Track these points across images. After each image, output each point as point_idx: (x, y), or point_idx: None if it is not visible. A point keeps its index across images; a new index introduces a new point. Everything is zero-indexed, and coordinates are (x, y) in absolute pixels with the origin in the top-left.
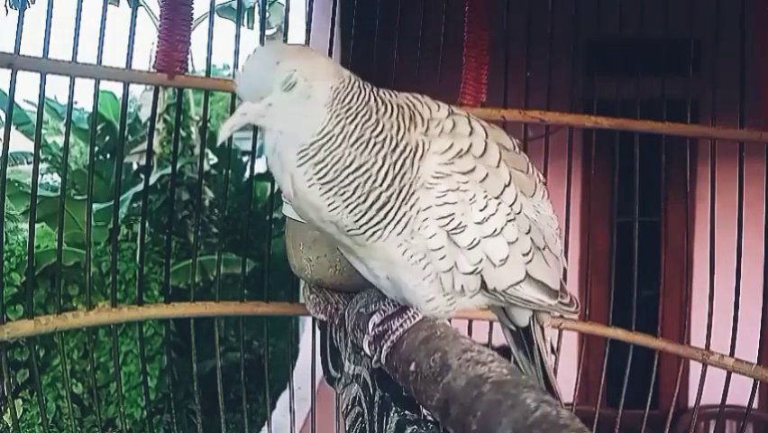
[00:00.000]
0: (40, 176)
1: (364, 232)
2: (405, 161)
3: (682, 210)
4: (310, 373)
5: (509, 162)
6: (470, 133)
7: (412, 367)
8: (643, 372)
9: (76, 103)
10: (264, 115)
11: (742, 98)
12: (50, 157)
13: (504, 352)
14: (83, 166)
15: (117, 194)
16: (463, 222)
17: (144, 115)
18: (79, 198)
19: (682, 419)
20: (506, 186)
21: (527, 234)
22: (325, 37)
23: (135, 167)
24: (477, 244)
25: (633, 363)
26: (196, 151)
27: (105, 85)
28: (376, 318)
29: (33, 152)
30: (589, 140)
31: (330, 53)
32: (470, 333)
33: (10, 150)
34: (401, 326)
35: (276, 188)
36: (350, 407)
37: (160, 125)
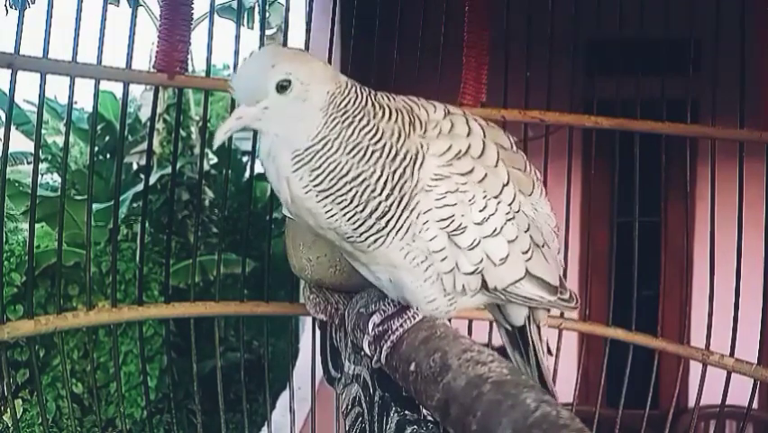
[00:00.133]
0: (40, 176)
1: (365, 240)
2: (405, 169)
3: (682, 210)
4: (310, 373)
5: (507, 161)
6: (468, 134)
7: (412, 367)
8: (643, 372)
9: (76, 103)
10: (260, 119)
11: (742, 98)
12: (50, 157)
13: (504, 352)
14: (83, 166)
15: (117, 194)
16: (463, 223)
17: (144, 115)
18: (79, 198)
19: (682, 419)
20: (504, 185)
21: (526, 232)
22: (325, 37)
23: (135, 167)
24: (477, 244)
25: (633, 363)
26: (196, 151)
27: (105, 85)
28: (376, 318)
29: (33, 151)
30: (589, 140)
31: (330, 53)
32: (470, 333)
33: (10, 150)
34: (401, 326)
35: None
36: (350, 407)
37: (160, 125)
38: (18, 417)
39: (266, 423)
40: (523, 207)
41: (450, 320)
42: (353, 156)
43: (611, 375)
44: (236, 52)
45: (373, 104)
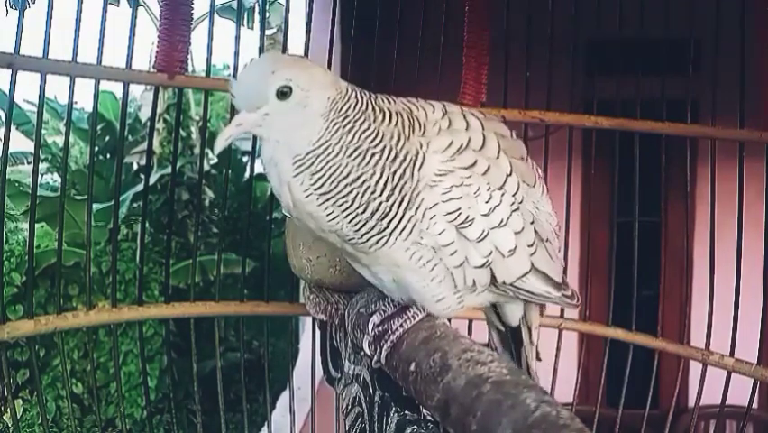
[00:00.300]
0: (40, 176)
1: (367, 240)
2: (405, 170)
3: (682, 210)
4: (310, 373)
5: (508, 152)
6: (467, 128)
7: (412, 367)
8: (643, 372)
9: (76, 103)
10: (261, 125)
11: (742, 98)
12: (50, 157)
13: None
14: (83, 166)
15: (117, 194)
16: (471, 215)
17: (144, 115)
18: (79, 198)
19: (682, 419)
20: (507, 175)
21: (532, 223)
22: (325, 37)
23: (135, 167)
24: (486, 235)
25: (633, 363)
26: (196, 151)
27: (105, 85)
28: (376, 318)
29: (33, 151)
30: (589, 140)
31: (330, 53)
32: (470, 333)
33: (10, 150)
34: (401, 326)
35: None
36: (350, 407)
37: (160, 125)
38: (18, 417)
39: (266, 423)
40: (526, 197)
41: (450, 320)
42: (354, 159)
43: (611, 375)
44: (236, 53)
45: (373, 108)
